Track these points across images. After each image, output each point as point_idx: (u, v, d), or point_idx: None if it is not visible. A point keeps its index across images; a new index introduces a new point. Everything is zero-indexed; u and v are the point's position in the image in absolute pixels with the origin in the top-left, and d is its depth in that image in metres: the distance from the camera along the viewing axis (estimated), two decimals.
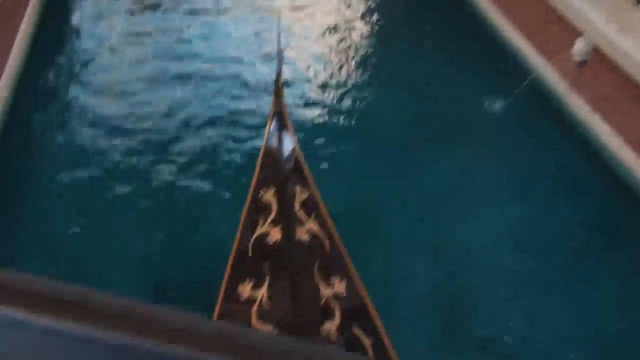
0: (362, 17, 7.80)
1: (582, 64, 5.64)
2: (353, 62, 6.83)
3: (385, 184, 5.04)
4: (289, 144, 3.56)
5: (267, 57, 6.17)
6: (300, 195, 3.18)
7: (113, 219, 4.47)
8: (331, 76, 6.50)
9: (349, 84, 6.44)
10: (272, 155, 3.51)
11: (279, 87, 3.60)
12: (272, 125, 3.58)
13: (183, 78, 5.96)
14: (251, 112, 5.59)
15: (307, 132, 5.25)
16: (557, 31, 5.96)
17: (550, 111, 6.08)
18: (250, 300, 2.72)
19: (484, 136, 5.79)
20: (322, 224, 3.04)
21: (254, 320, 2.64)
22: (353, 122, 5.87)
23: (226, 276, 2.82)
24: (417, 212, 4.94)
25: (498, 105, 5.99)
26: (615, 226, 4.93)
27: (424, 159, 5.36)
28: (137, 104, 5.62)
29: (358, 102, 6.19)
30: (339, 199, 4.15)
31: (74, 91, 5.80)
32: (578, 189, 5.23)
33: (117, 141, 5.13)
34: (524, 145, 5.74)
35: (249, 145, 5.14)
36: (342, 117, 5.93)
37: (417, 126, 5.83)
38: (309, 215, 3.04)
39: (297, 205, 3.12)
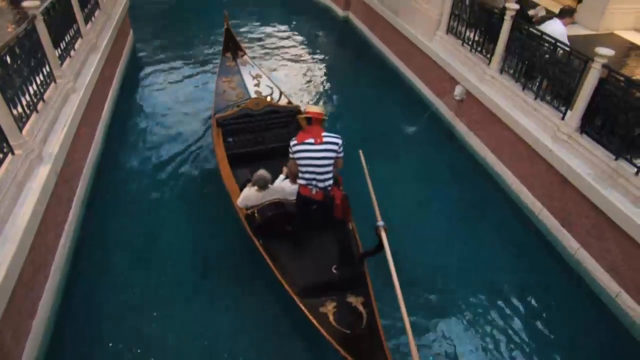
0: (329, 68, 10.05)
1: (461, 101, 7.27)
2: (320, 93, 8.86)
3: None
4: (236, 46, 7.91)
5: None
6: (249, 62, 7.62)
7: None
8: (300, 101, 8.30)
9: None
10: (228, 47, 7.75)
11: (226, 24, 8.00)
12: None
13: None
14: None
15: None
16: (445, 81, 7.72)
17: (444, 130, 7.79)
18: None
19: (403, 145, 7.43)
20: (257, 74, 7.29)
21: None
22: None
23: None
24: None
25: (412, 126, 7.78)
26: (481, 199, 6.33)
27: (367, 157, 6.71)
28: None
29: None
30: None
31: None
32: (461, 177, 6.68)
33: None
34: (428, 151, 7.29)
35: None
36: None
37: (361, 135, 7.43)
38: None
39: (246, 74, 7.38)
